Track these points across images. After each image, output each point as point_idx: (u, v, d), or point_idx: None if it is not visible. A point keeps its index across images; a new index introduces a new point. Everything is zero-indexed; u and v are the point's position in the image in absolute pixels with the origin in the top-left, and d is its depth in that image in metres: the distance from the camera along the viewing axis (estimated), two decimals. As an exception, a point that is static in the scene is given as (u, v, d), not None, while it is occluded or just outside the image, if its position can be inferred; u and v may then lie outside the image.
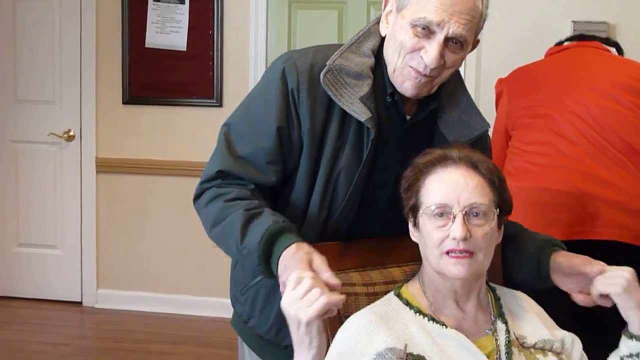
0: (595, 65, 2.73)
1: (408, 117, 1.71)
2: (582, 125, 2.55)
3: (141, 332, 4.36)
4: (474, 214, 1.50)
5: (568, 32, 3.70)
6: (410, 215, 1.58)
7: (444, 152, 1.56)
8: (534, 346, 1.57)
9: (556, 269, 1.65)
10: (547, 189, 2.49)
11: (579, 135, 2.54)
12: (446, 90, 1.70)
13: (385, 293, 1.62)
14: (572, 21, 3.87)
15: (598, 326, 2.36)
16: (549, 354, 1.56)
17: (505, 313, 1.61)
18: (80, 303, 4.78)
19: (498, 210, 1.54)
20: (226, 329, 3.74)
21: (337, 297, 1.36)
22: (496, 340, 1.54)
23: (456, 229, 1.47)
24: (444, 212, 1.49)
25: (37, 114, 4.70)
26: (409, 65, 1.60)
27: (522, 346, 1.56)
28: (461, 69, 3.95)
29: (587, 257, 1.65)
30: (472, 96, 3.93)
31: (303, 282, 1.36)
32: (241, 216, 1.53)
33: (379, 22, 1.71)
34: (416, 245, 1.60)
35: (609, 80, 2.62)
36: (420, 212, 1.53)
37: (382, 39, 1.69)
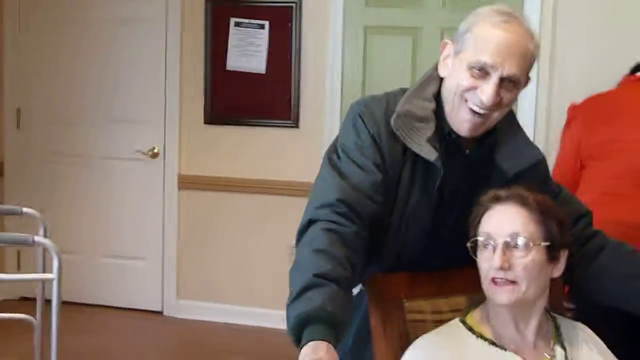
0: None
1: (468, 152, 1.83)
2: None
3: (220, 343, 4.48)
4: (515, 245, 1.62)
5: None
6: (472, 248, 1.71)
7: (498, 191, 1.70)
8: (589, 374, 1.69)
9: None
10: (621, 222, 2.49)
11: None
12: (501, 126, 1.82)
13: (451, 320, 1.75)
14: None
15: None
16: (603, 382, 1.67)
17: (565, 340, 1.71)
18: (161, 312, 4.96)
19: (547, 243, 1.64)
20: (299, 342, 3.89)
21: None
22: (554, 364, 1.66)
23: (495, 258, 1.61)
24: (488, 244, 1.63)
25: (124, 132, 4.91)
26: (465, 104, 1.74)
27: (579, 372, 1.68)
28: (533, 95, 4.05)
29: None
30: (543, 122, 4.03)
31: None
32: (306, 279, 1.55)
33: (437, 67, 1.84)
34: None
35: None
36: (479, 241, 1.67)
37: (441, 82, 1.83)
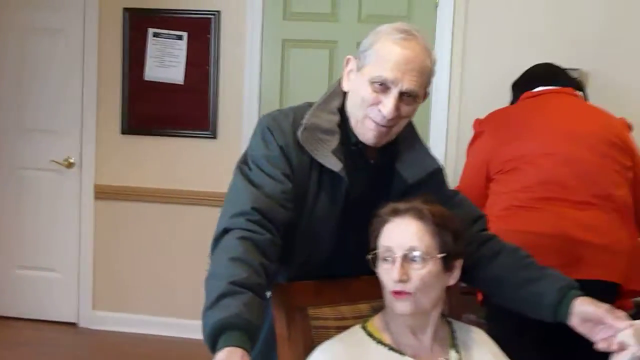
0: (578, 116, 2.87)
1: (372, 162, 1.93)
2: (567, 173, 2.71)
3: (136, 354, 4.46)
4: (412, 258, 1.70)
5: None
6: (373, 259, 1.78)
7: (397, 204, 1.78)
8: (483, 376, 1.77)
9: (578, 314, 1.77)
10: (534, 233, 2.62)
11: (565, 182, 2.70)
12: (401, 136, 1.92)
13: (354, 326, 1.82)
14: (548, 66, 4.04)
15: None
16: (495, 385, 1.77)
17: (459, 345, 1.80)
18: (75, 324, 4.90)
19: (443, 254, 1.73)
20: (215, 352, 3.91)
21: None
22: (448, 367, 1.75)
23: (393, 272, 1.69)
24: (388, 257, 1.71)
25: (39, 142, 4.85)
26: (369, 117, 1.83)
27: (473, 376, 1.76)
28: (444, 109, 4.21)
29: (608, 306, 1.76)
30: (455, 134, 4.18)
31: None
32: (222, 287, 1.59)
33: (340, 82, 1.94)
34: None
35: (591, 133, 2.78)
36: (378, 253, 1.75)
37: (345, 96, 1.92)
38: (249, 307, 1.56)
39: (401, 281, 1.68)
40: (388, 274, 1.71)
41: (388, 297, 1.73)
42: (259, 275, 1.64)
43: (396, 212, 1.76)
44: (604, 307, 1.75)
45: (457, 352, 1.78)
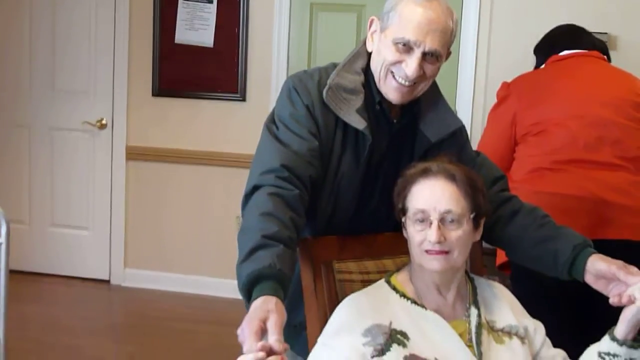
0: (605, 79, 2.89)
1: (395, 121, 1.98)
2: (595, 136, 2.73)
3: (165, 310, 4.59)
4: (449, 220, 1.75)
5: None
6: (400, 217, 1.84)
7: (426, 165, 1.82)
8: (502, 330, 1.82)
9: (592, 271, 1.81)
10: (566, 195, 2.66)
11: (593, 144, 2.73)
12: (424, 96, 1.97)
13: (378, 280, 1.88)
14: (575, 32, 4.04)
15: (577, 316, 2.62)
16: (514, 337, 1.81)
17: (479, 300, 1.85)
18: (108, 281, 5.04)
19: (473, 214, 1.79)
20: (243, 309, 4.00)
21: None
22: (468, 323, 1.80)
23: (431, 234, 1.73)
24: (423, 218, 1.75)
25: (72, 104, 4.95)
26: (393, 76, 1.88)
27: (492, 329, 1.81)
28: (471, 77, 4.20)
29: (622, 262, 1.79)
30: (482, 101, 4.20)
31: None
32: (255, 240, 1.64)
33: (365, 43, 1.98)
34: (406, 240, 1.87)
35: (618, 95, 2.81)
36: (406, 216, 1.80)
37: (369, 56, 1.97)
38: (281, 258, 1.62)
39: (439, 242, 1.73)
40: (422, 234, 1.75)
41: (418, 254, 1.77)
42: (289, 229, 1.70)
43: (427, 173, 1.80)
44: (617, 263, 1.79)
45: (477, 307, 1.83)
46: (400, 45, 1.84)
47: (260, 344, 1.42)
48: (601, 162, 2.72)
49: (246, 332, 1.45)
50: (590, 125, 2.75)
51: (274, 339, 1.44)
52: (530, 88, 2.96)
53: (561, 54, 3.02)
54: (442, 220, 1.75)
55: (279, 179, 1.78)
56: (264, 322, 1.47)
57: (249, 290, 1.57)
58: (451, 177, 1.78)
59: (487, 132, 3.07)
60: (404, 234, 1.84)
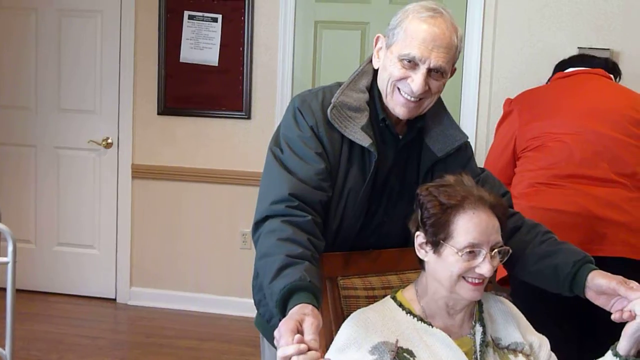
0: (604, 96, 2.91)
1: (400, 137, 1.99)
2: (592, 151, 2.75)
3: (170, 329, 4.59)
4: (498, 252, 1.74)
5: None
6: (430, 243, 1.77)
7: (468, 192, 1.76)
8: (507, 347, 1.82)
9: (593, 287, 1.81)
10: (561, 211, 2.68)
11: (590, 160, 2.74)
12: (429, 111, 1.98)
13: (383, 297, 1.88)
14: (578, 47, 4.06)
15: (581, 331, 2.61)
16: (520, 355, 1.81)
17: (485, 317, 1.85)
18: (114, 300, 5.05)
19: None
20: (247, 327, 4.03)
21: None
22: (474, 341, 1.80)
23: (485, 267, 1.71)
24: (473, 251, 1.72)
25: (78, 123, 4.98)
26: (399, 92, 1.90)
27: (497, 347, 1.81)
28: (475, 93, 4.22)
29: (622, 278, 1.79)
30: (486, 117, 4.21)
31: None
32: (281, 260, 1.66)
33: (370, 61, 2.00)
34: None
35: (616, 111, 2.82)
36: (449, 244, 1.73)
37: (374, 75, 1.98)
38: (310, 272, 1.65)
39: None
40: (467, 264, 1.72)
41: (454, 281, 1.74)
42: (310, 250, 1.74)
43: (471, 201, 1.75)
44: (617, 278, 1.78)
45: (482, 325, 1.83)
46: (405, 62, 1.86)
47: (297, 336, 1.42)
48: (597, 178, 2.73)
49: (282, 330, 1.46)
50: (587, 141, 2.77)
51: (310, 338, 1.44)
52: (531, 103, 2.99)
53: (566, 71, 3.05)
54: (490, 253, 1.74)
55: (289, 207, 1.80)
56: (300, 323, 1.48)
57: (284, 305, 1.59)
58: (492, 208, 1.76)
59: (492, 146, 3.11)
60: (420, 254, 1.81)
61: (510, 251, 1.78)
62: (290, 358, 1.39)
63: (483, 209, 1.74)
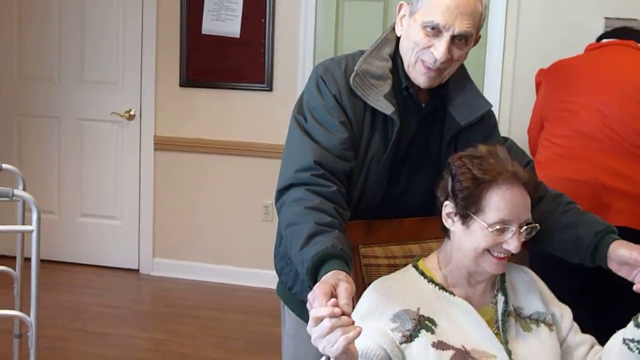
0: (624, 66, 2.89)
1: (423, 105, 1.97)
2: (603, 121, 2.75)
3: (192, 299, 4.64)
4: (525, 230, 1.73)
5: (600, 29, 3.86)
6: (459, 215, 1.75)
7: (502, 167, 1.73)
8: (529, 317, 1.82)
9: (615, 258, 1.79)
10: (569, 179, 2.69)
11: (599, 131, 2.75)
12: (453, 80, 1.97)
13: (404, 265, 1.88)
14: (604, 17, 4.02)
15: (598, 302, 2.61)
16: (542, 324, 1.81)
17: (507, 287, 1.85)
18: (137, 270, 5.10)
19: None
20: (269, 298, 4.06)
21: (354, 334, 1.39)
22: (495, 310, 1.80)
23: (513, 244, 1.70)
24: (503, 227, 1.71)
25: (101, 94, 4.99)
26: (421, 60, 1.88)
27: (519, 316, 1.81)
28: (499, 63, 4.18)
29: None
30: (510, 87, 4.17)
31: (323, 323, 1.39)
32: (311, 228, 1.67)
33: (393, 29, 1.98)
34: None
35: (633, 83, 2.80)
36: (478, 218, 1.72)
37: (397, 43, 1.97)
38: (340, 240, 1.65)
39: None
40: (494, 239, 1.71)
41: (478, 255, 1.73)
42: (338, 219, 1.73)
43: (505, 177, 1.72)
44: (639, 249, 1.76)
45: (505, 294, 1.82)
46: (429, 29, 1.84)
47: (332, 300, 1.43)
48: (608, 149, 2.73)
49: (316, 293, 1.46)
50: (605, 112, 2.77)
51: (343, 302, 1.44)
52: (557, 76, 3.01)
53: (599, 42, 3.05)
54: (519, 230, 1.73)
55: (314, 176, 1.80)
56: (334, 287, 1.48)
57: (315, 272, 1.60)
58: (524, 184, 1.74)
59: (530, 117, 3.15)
60: (447, 224, 1.80)
61: (538, 228, 1.76)
62: (322, 319, 1.40)
63: (517, 186, 1.72)
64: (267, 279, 4.25)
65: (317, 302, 1.43)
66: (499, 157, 1.76)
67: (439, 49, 1.84)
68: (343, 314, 1.41)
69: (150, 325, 4.27)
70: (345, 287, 1.48)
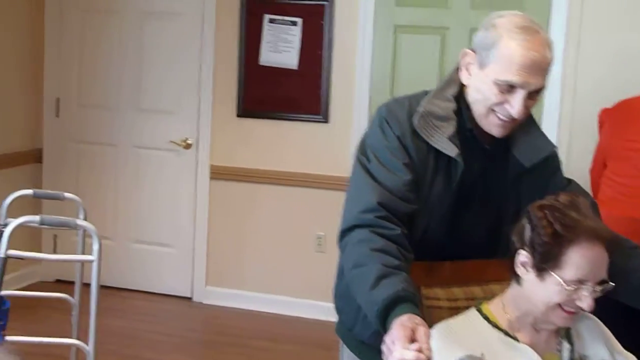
0: None
1: (487, 147, 1.96)
2: None
3: (245, 329, 4.64)
4: (601, 289, 1.70)
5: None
6: (535, 267, 1.71)
7: (584, 224, 1.68)
8: (594, 366, 1.79)
9: None
10: (633, 219, 2.65)
11: None
12: None
13: (466, 308, 1.85)
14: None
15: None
16: (607, 372, 1.78)
17: (573, 334, 1.81)
18: (190, 298, 5.11)
19: None
20: (323, 329, 4.04)
21: None
22: (560, 357, 1.76)
23: (586, 302, 1.67)
24: (579, 286, 1.67)
25: (158, 123, 5.07)
26: (495, 114, 1.86)
27: (585, 364, 1.78)
28: (557, 95, 4.10)
29: None
30: (568, 118, 4.10)
31: None
32: (379, 269, 1.68)
33: (457, 70, 1.96)
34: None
35: None
36: (555, 274, 1.68)
37: (461, 85, 1.95)
38: (409, 283, 1.66)
39: None
40: (569, 296, 1.68)
41: (550, 308, 1.70)
42: (403, 262, 1.74)
43: (590, 236, 1.68)
44: None
45: (570, 342, 1.79)
46: (503, 86, 1.82)
47: (416, 345, 1.45)
48: None
49: (396, 335, 1.48)
50: None
51: (425, 347, 1.46)
52: (622, 112, 2.99)
53: None
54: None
55: (378, 218, 1.80)
56: (413, 331, 1.49)
57: (386, 315, 1.60)
58: (605, 245, 1.70)
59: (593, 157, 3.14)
60: (519, 272, 1.75)
61: (612, 287, 1.71)
62: None
63: (598, 245, 1.68)
64: (321, 310, 4.25)
65: (400, 344, 1.45)
66: (580, 210, 1.71)
67: (516, 107, 1.82)
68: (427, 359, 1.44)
69: (202, 354, 4.29)
70: (424, 331, 1.49)
